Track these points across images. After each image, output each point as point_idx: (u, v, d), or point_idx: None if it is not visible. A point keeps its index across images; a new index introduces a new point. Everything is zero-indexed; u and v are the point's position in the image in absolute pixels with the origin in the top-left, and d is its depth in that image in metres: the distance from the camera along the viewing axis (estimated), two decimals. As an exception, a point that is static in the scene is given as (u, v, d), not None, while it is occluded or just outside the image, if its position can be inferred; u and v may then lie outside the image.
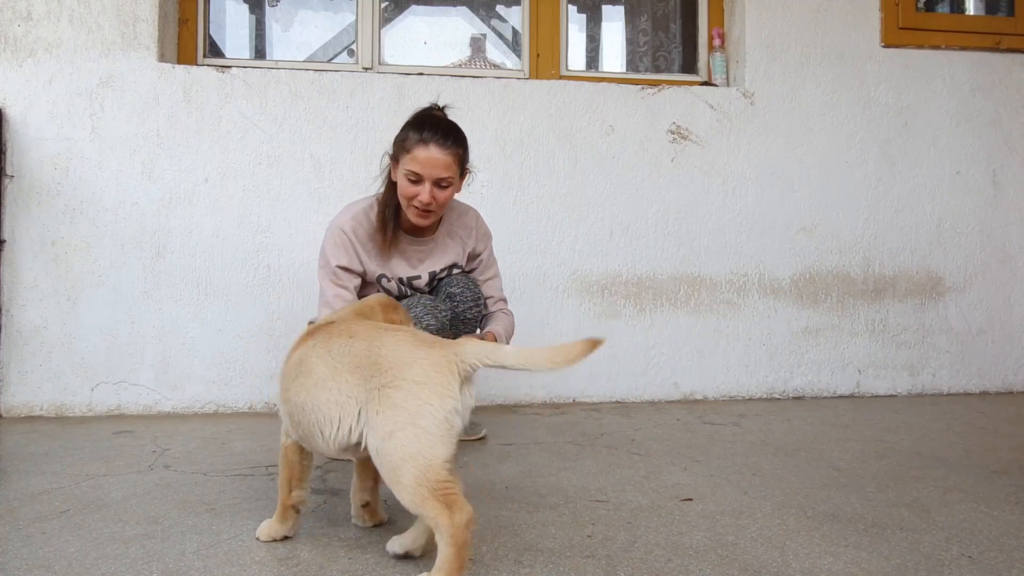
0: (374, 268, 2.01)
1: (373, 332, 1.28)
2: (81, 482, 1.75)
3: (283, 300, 2.69)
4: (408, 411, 1.15)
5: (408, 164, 1.86)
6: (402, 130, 1.93)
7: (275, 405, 2.51)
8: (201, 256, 2.65)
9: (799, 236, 2.99)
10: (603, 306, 2.85)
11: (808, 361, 2.98)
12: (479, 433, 2.20)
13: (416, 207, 1.90)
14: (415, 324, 1.90)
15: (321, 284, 2.00)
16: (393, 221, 1.99)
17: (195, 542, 1.37)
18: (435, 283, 2.10)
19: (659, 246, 2.90)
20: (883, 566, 1.27)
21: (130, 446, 2.12)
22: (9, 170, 2.57)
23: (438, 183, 1.87)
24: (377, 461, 1.18)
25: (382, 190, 2.02)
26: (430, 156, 1.85)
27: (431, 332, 1.94)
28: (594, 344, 1.16)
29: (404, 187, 1.89)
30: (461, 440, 2.14)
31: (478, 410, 2.69)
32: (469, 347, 1.19)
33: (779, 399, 2.93)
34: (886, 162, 3.04)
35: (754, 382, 2.94)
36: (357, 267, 1.99)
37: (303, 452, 1.37)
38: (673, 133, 2.92)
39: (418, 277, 2.06)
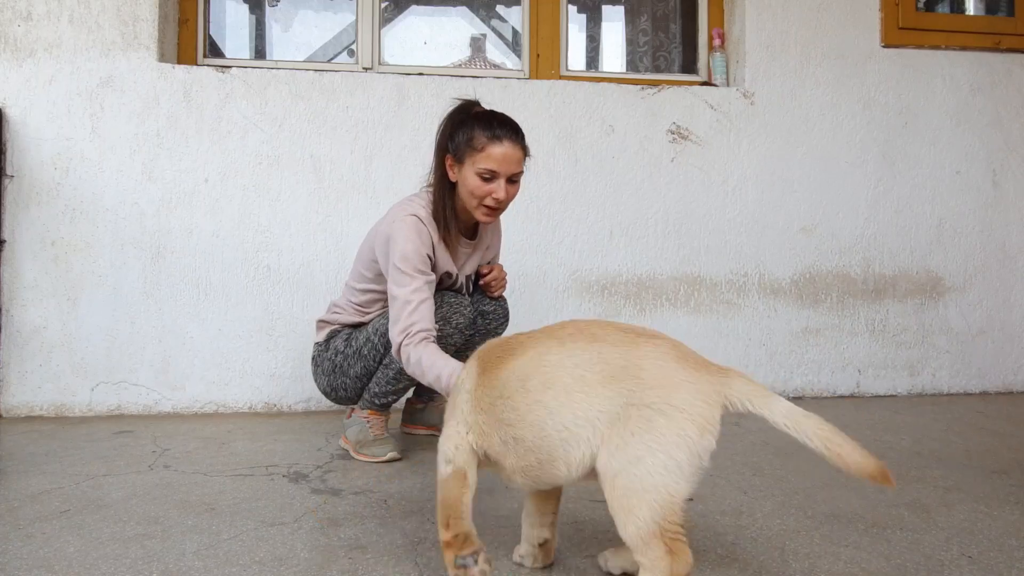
0: (442, 264, 1.95)
1: (625, 338, 1.13)
2: (81, 482, 1.75)
3: (283, 300, 2.69)
4: (666, 439, 1.04)
5: (482, 163, 1.81)
6: (459, 128, 1.85)
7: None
8: (201, 256, 2.65)
9: (799, 236, 2.99)
10: (603, 306, 2.85)
11: (808, 361, 2.98)
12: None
13: (488, 206, 1.86)
14: (443, 325, 1.90)
15: (398, 281, 1.80)
16: (454, 220, 1.93)
17: (195, 542, 1.37)
18: (469, 285, 2.11)
19: (659, 246, 2.90)
20: (883, 566, 1.27)
21: (130, 446, 2.12)
22: (9, 170, 2.57)
23: (511, 179, 1.85)
24: (611, 484, 1.06)
25: (428, 191, 1.95)
26: (506, 152, 1.81)
27: (461, 330, 1.94)
28: (883, 474, 1.01)
29: (476, 186, 1.83)
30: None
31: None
32: (738, 384, 1.08)
33: (779, 399, 2.93)
34: (886, 162, 3.04)
35: (754, 382, 2.94)
36: (432, 260, 1.90)
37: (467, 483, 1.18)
38: (673, 133, 2.92)
39: (457, 277, 2.05)
